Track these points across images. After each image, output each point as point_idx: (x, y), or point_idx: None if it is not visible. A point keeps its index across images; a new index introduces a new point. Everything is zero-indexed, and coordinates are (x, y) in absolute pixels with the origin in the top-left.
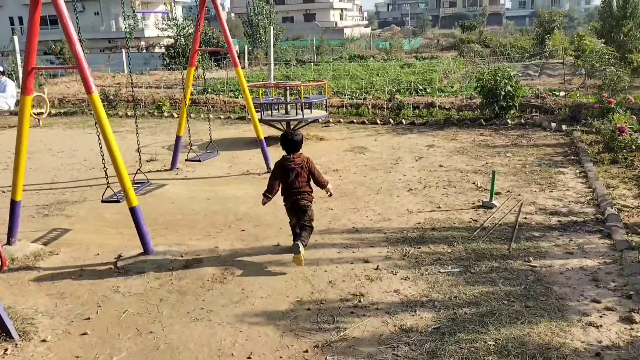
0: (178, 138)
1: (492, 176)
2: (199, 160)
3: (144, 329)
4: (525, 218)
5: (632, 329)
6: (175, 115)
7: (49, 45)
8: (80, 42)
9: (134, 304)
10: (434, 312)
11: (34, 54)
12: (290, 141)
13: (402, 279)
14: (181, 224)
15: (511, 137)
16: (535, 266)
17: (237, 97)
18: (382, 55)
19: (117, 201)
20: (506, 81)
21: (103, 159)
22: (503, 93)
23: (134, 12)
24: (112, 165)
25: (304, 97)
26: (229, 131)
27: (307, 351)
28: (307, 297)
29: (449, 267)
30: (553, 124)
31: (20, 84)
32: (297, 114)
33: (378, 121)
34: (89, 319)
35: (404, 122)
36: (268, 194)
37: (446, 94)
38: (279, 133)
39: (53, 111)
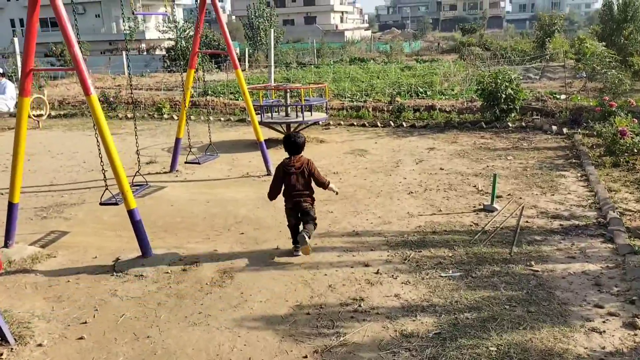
0: (178, 140)
1: (493, 179)
2: (199, 163)
3: (141, 333)
4: (527, 222)
5: (635, 334)
6: (175, 118)
7: (49, 48)
8: (79, 44)
9: (132, 308)
10: (435, 317)
11: (32, 55)
12: (293, 143)
13: (402, 283)
14: (180, 227)
15: (512, 140)
16: (537, 270)
17: (237, 100)
18: (382, 58)
19: (116, 204)
20: (507, 84)
21: (101, 161)
22: (504, 96)
23: (133, 14)
24: (110, 168)
25: (304, 100)
26: (229, 133)
27: (306, 357)
28: (306, 302)
29: (450, 271)
30: (554, 127)
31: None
32: (297, 116)
33: (378, 124)
34: (85, 323)
35: (405, 125)
36: (271, 199)
37: (447, 97)
38: (279, 136)
39: (53, 113)
